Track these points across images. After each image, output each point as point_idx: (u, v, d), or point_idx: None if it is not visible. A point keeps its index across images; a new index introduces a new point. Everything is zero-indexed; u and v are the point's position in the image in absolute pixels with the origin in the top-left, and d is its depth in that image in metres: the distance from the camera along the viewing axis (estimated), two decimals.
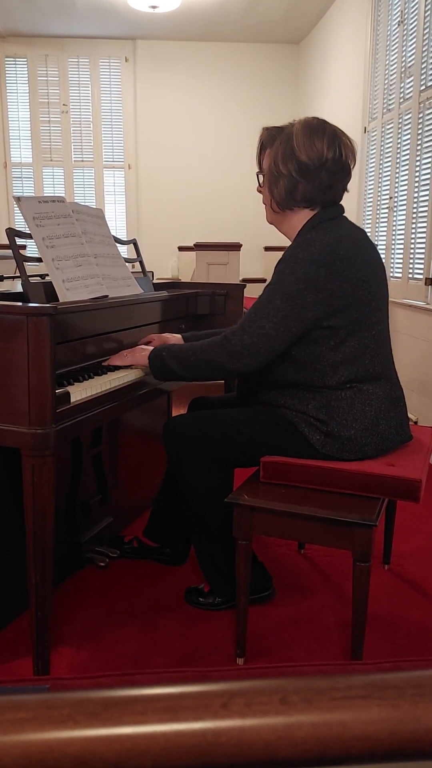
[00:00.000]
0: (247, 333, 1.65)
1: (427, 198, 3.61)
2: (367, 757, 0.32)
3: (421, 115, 3.71)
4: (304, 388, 1.70)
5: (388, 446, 1.73)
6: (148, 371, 1.84)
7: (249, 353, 1.65)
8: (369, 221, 4.64)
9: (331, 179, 1.68)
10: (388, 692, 0.33)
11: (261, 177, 1.81)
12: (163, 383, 2.00)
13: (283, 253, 1.71)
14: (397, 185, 4.10)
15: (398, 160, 4.07)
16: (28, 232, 1.78)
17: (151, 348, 1.83)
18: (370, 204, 4.62)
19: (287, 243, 1.80)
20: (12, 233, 1.75)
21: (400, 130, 4.05)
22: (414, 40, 3.82)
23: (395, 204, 4.12)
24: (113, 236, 2.21)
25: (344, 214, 1.78)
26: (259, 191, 1.83)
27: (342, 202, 1.79)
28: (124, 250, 2.33)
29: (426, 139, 3.65)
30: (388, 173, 4.26)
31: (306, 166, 1.66)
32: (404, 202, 3.95)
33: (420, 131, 3.72)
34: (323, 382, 1.67)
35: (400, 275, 3.99)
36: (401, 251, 4.00)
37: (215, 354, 1.69)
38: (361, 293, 1.65)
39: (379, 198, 4.45)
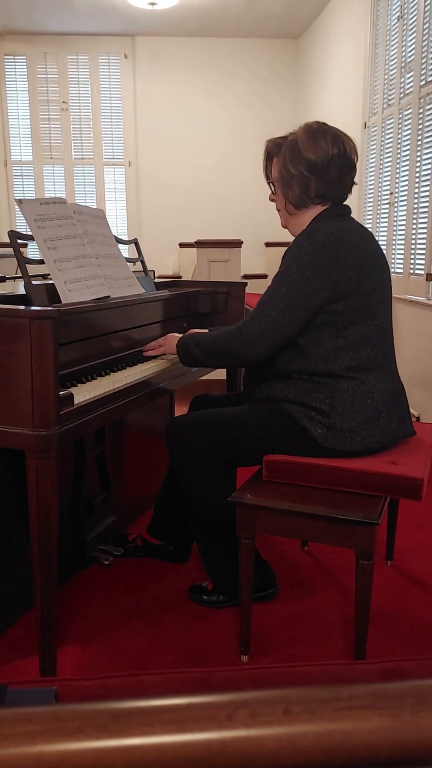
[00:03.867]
0: (256, 322, 1.72)
1: (427, 193, 3.60)
2: (369, 766, 0.33)
3: (421, 111, 3.70)
4: (308, 378, 1.73)
5: (390, 439, 1.75)
6: (175, 360, 2.01)
7: (259, 341, 1.72)
8: (370, 217, 4.63)
9: (339, 174, 1.75)
10: (389, 702, 0.34)
11: (272, 186, 1.87)
12: (165, 382, 2.01)
13: (288, 245, 1.76)
14: (397, 181, 4.09)
15: (399, 156, 4.07)
16: (30, 234, 1.79)
17: (181, 335, 1.95)
18: (371, 200, 4.62)
19: (289, 238, 1.83)
20: (14, 235, 1.76)
21: (400, 126, 4.04)
22: (414, 34, 3.81)
23: (396, 199, 4.12)
24: (114, 236, 2.22)
25: (351, 215, 1.84)
26: (272, 200, 1.89)
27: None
28: (126, 250, 2.33)
29: (426, 135, 3.64)
30: (389, 169, 4.26)
31: (315, 164, 1.73)
32: (405, 198, 3.95)
33: (420, 126, 3.71)
34: (327, 367, 1.70)
35: (401, 271, 3.99)
36: (402, 247, 4.00)
37: (230, 343, 1.78)
38: (364, 282, 1.69)
39: (379, 194, 4.45)
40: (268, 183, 1.88)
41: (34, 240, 1.78)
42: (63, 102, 6.88)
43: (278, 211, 1.88)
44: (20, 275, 1.80)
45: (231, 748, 0.32)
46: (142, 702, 0.33)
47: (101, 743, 0.31)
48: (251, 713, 0.32)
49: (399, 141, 4.06)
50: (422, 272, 3.67)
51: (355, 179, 1.81)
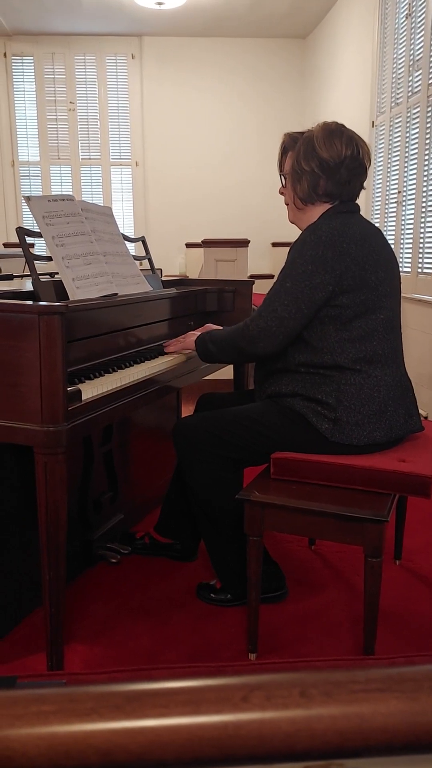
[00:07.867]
0: (262, 318, 1.74)
1: None
2: (385, 749, 0.32)
3: (429, 109, 3.69)
4: (315, 372, 1.74)
5: (397, 434, 1.74)
6: (184, 358, 2.08)
7: (265, 336, 1.73)
8: (378, 216, 4.62)
9: (349, 175, 1.77)
10: (406, 685, 0.33)
11: (284, 179, 1.89)
12: (172, 380, 2.01)
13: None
14: (405, 179, 4.08)
15: (407, 154, 4.06)
16: (38, 231, 1.79)
17: (199, 333, 1.99)
18: (379, 198, 4.60)
19: (295, 237, 1.82)
20: (22, 232, 1.76)
21: (408, 124, 4.03)
22: (422, 32, 3.80)
23: (404, 198, 4.11)
24: (122, 234, 2.22)
25: (359, 213, 1.84)
26: (282, 193, 1.91)
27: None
28: (133, 248, 2.33)
29: None
30: (397, 167, 4.24)
31: (327, 163, 1.75)
32: (413, 197, 3.94)
33: (429, 125, 3.70)
34: (333, 359, 1.71)
35: (409, 270, 3.98)
36: (410, 246, 3.99)
37: (238, 339, 1.80)
38: (368, 276, 1.70)
39: (387, 192, 4.44)
40: (280, 175, 1.90)
41: (41, 237, 1.78)
42: (70, 102, 6.90)
43: (286, 205, 1.89)
44: (28, 273, 1.80)
45: (246, 730, 0.31)
46: (156, 684, 0.33)
47: (115, 724, 0.31)
48: (267, 695, 0.32)
49: (407, 140, 4.05)
50: (430, 271, 3.65)
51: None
